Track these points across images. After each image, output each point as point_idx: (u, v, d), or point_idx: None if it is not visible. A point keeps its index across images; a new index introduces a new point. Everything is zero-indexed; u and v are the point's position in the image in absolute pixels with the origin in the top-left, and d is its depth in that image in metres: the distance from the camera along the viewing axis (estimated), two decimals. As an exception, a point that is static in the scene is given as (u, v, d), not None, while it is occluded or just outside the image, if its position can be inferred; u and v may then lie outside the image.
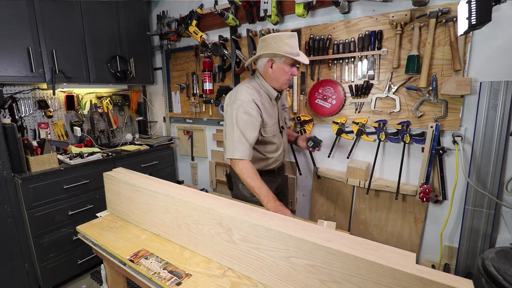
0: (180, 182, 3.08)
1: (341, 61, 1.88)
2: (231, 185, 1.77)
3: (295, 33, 1.47)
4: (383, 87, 1.77)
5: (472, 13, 1.14)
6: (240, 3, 2.16)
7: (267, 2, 1.96)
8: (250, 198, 1.60)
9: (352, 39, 1.81)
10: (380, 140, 1.81)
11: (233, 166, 1.47)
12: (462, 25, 1.25)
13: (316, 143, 1.71)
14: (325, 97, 1.96)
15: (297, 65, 1.52)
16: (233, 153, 1.43)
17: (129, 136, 2.85)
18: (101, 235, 1.32)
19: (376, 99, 1.80)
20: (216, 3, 2.34)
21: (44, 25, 2.02)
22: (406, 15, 1.57)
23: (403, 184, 1.80)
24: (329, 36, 1.89)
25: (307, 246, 0.85)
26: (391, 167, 1.85)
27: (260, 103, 1.50)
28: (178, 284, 0.98)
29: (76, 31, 2.23)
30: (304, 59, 1.48)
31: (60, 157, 2.16)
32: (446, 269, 1.72)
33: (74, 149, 2.31)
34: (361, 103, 1.87)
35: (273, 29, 2.07)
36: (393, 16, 1.61)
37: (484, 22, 1.14)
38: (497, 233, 1.58)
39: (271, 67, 1.50)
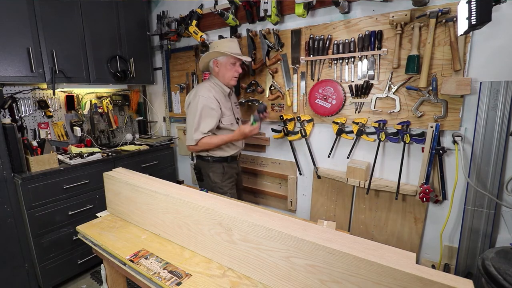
0: (180, 182, 3.08)
1: (341, 61, 1.88)
2: (200, 176, 2.01)
3: (235, 39, 1.95)
4: (383, 87, 1.77)
5: (472, 13, 1.14)
6: (240, 3, 2.16)
7: (267, 2, 1.95)
8: (220, 184, 1.92)
9: (352, 39, 1.81)
10: (380, 140, 1.81)
11: (197, 149, 1.84)
12: (462, 25, 1.25)
13: (262, 109, 1.89)
14: (325, 97, 1.95)
15: (244, 64, 1.93)
16: (194, 139, 1.77)
17: (129, 136, 2.85)
18: (101, 235, 1.32)
19: (376, 99, 1.80)
20: (216, 3, 2.34)
21: (44, 25, 2.02)
22: (406, 15, 1.57)
23: (403, 184, 1.80)
24: (329, 36, 1.89)
25: (307, 246, 0.85)
26: (391, 167, 1.85)
27: (218, 97, 1.83)
28: (178, 284, 0.98)
29: (76, 31, 2.23)
30: (244, 57, 1.87)
31: (60, 157, 2.16)
32: (446, 269, 1.72)
33: (74, 149, 2.31)
34: (361, 103, 1.87)
35: (273, 29, 2.07)
36: (393, 16, 1.61)
37: (484, 22, 1.14)
38: (497, 233, 1.58)
39: (217, 66, 1.85)
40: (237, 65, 1.86)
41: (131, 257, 1.14)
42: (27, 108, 2.23)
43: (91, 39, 2.33)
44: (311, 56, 1.97)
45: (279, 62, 2.13)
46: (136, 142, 2.80)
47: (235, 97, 2.11)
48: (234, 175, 2.03)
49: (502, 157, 1.48)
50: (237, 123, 1.97)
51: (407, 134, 1.70)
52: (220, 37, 2.37)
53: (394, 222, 1.87)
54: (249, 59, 1.94)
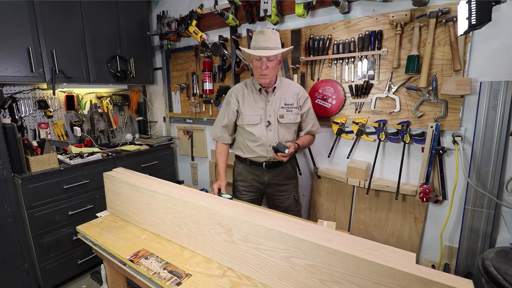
0: (180, 182, 3.08)
1: (341, 61, 1.88)
2: None
3: (268, 29, 1.59)
4: (383, 87, 1.77)
5: (472, 13, 1.14)
6: (240, 3, 2.16)
7: (267, 2, 1.96)
8: (233, 183, 1.87)
9: (352, 39, 1.81)
10: (380, 140, 1.81)
11: None
12: (462, 25, 1.25)
13: (274, 149, 1.57)
14: (325, 97, 1.95)
15: (269, 60, 1.57)
16: (213, 132, 1.83)
17: (129, 136, 2.85)
18: (101, 235, 1.32)
19: (376, 99, 1.80)
20: (216, 3, 2.34)
21: (44, 25, 2.02)
22: (406, 15, 1.57)
23: (403, 184, 1.80)
24: (329, 36, 1.89)
25: (307, 246, 0.85)
26: (391, 167, 1.85)
27: (241, 94, 1.72)
28: (178, 284, 0.98)
29: (76, 31, 2.23)
30: (257, 51, 1.55)
31: (60, 157, 2.16)
32: (446, 269, 1.72)
33: (74, 149, 2.31)
34: (361, 103, 1.87)
35: (273, 29, 2.06)
36: (393, 16, 1.61)
37: (484, 22, 1.14)
38: (497, 233, 1.58)
39: (251, 62, 1.66)
40: (263, 61, 1.56)
41: (131, 257, 1.14)
42: (27, 108, 2.23)
43: (91, 39, 2.33)
44: (311, 56, 1.97)
45: (279, 62, 2.12)
46: (136, 142, 2.80)
47: (291, 96, 1.71)
48: (254, 183, 1.78)
49: (502, 157, 1.48)
50: (268, 126, 1.67)
51: (407, 134, 1.70)
52: (220, 37, 2.37)
53: (394, 222, 1.87)
54: (266, 53, 1.53)
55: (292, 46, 1.67)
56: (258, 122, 1.68)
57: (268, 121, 1.67)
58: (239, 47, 1.95)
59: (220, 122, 1.77)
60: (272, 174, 1.76)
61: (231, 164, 1.92)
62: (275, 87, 1.69)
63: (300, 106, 1.73)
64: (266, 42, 1.56)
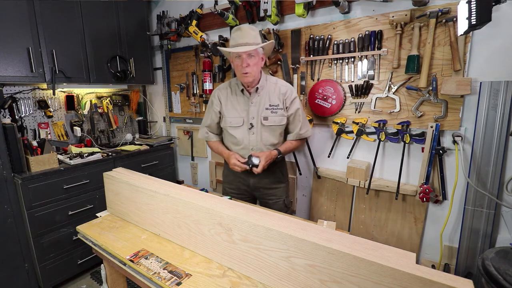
0: (180, 182, 3.08)
1: (341, 61, 1.88)
2: None
3: (245, 25, 1.57)
4: (383, 87, 1.77)
5: (472, 13, 1.14)
6: (240, 3, 2.16)
7: (267, 2, 1.96)
8: (222, 183, 1.87)
9: (352, 39, 1.81)
10: (380, 140, 1.81)
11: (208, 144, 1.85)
12: (462, 25, 1.25)
13: (247, 163, 1.55)
14: (325, 97, 1.95)
15: (250, 56, 1.50)
16: (200, 133, 1.81)
17: (129, 136, 2.85)
18: (101, 235, 1.32)
19: (376, 99, 1.80)
20: (216, 3, 2.34)
21: (44, 25, 2.02)
22: (406, 15, 1.57)
23: (403, 184, 1.80)
24: (329, 36, 1.89)
25: (307, 246, 0.85)
26: (391, 167, 1.85)
27: (224, 95, 1.68)
28: (178, 284, 0.98)
29: (76, 31, 2.23)
30: (236, 48, 1.47)
31: (60, 157, 2.16)
32: (446, 269, 1.72)
33: (74, 149, 2.31)
34: (361, 103, 1.87)
35: (273, 29, 2.07)
36: (393, 16, 1.61)
37: (484, 22, 1.14)
38: (497, 233, 1.58)
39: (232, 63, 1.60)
40: (243, 58, 1.47)
41: (131, 257, 1.14)
42: (27, 108, 2.23)
43: (91, 39, 2.33)
44: (311, 56, 1.97)
45: (279, 62, 2.12)
46: (136, 142, 2.80)
47: (276, 97, 1.62)
48: (240, 186, 1.75)
49: (502, 157, 1.48)
50: (250, 128, 1.61)
51: (407, 134, 1.70)
52: (220, 37, 2.37)
53: (394, 222, 1.87)
54: (244, 49, 1.46)
55: (273, 41, 1.60)
56: (240, 125, 1.62)
57: (250, 124, 1.60)
58: (217, 47, 1.81)
59: (204, 122, 1.78)
60: (257, 177, 1.67)
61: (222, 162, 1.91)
62: (258, 88, 1.60)
63: (286, 107, 1.62)
64: (244, 38, 1.47)
